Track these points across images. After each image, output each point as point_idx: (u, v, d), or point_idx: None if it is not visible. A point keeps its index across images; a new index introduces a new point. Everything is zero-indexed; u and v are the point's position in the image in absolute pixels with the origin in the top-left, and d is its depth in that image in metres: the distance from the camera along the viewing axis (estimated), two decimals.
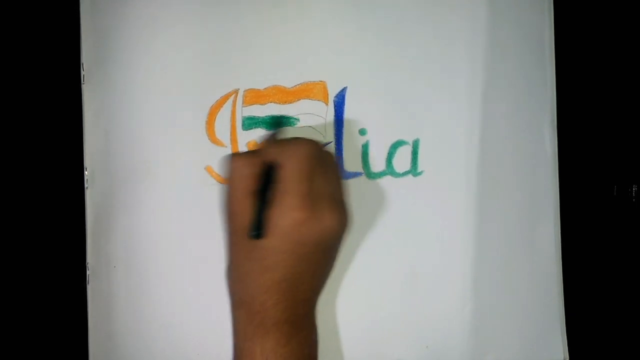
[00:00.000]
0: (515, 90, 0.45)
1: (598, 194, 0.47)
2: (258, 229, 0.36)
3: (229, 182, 0.38)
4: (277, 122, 0.44)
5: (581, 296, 0.46)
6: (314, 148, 0.38)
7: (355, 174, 0.44)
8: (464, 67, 0.44)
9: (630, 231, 0.47)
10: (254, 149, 0.42)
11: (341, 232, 0.38)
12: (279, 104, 0.44)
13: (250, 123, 0.44)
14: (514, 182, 0.45)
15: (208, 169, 0.44)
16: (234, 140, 0.44)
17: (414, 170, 0.44)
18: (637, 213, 0.47)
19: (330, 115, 0.44)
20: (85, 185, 0.44)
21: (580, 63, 0.46)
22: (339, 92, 0.44)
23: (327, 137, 0.44)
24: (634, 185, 0.47)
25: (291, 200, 0.36)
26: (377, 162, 0.44)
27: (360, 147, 0.44)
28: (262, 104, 0.44)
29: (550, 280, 0.45)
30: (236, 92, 0.44)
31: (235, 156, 0.38)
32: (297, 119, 0.44)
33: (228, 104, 0.44)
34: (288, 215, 0.36)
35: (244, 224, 0.37)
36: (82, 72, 0.44)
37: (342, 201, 0.39)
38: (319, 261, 0.38)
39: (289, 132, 0.44)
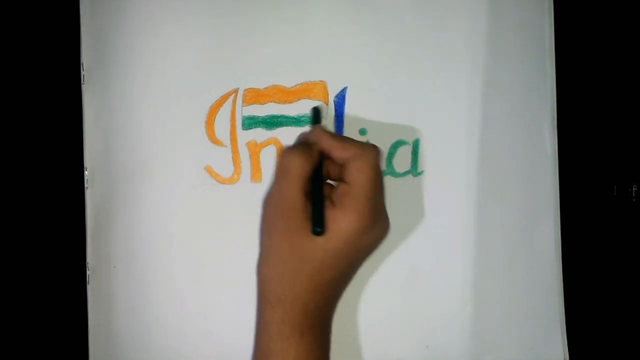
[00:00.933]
0: (515, 90, 0.45)
1: (598, 194, 0.47)
2: (322, 226, 0.36)
3: (283, 176, 0.37)
4: (317, 114, 0.42)
5: (581, 296, 0.45)
6: (380, 155, 0.38)
7: None
8: (464, 67, 0.44)
9: (630, 231, 0.47)
10: (303, 139, 0.41)
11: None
12: (279, 103, 0.44)
13: (250, 123, 0.44)
14: (514, 182, 0.45)
15: (208, 169, 0.44)
16: (233, 139, 0.44)
17: (414, 170, 0.44)
18: (637, 213, 0.47)
19: (330, 115, 0.44)
20: (85, 185, 0.44)
21: (580, 63, 0.46)
22: (339, 92, 0.44)
23: None
24: (634, 185, 0.47)
25: (360, 206, 0.36)
26: None
27: None
28: (262, 104, 0.44)
29: (550, 280, 0.45)
30: (236, 91, 0.44)
31: (291, 150, 0.38)
32: (297, 119, 0.44)
33: (228, 103, 0.44)
34: (356, 220, 0.36)
35: (300, 221, 0.36)
36: (82, 72, 0.44)
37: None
38: (359, 266, 0.39)
39: (288, 132, 0.44)
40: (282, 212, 0.37)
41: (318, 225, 0.36)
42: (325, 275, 0.37)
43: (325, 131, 0.40)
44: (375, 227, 0.37)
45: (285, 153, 0.38)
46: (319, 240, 0.36)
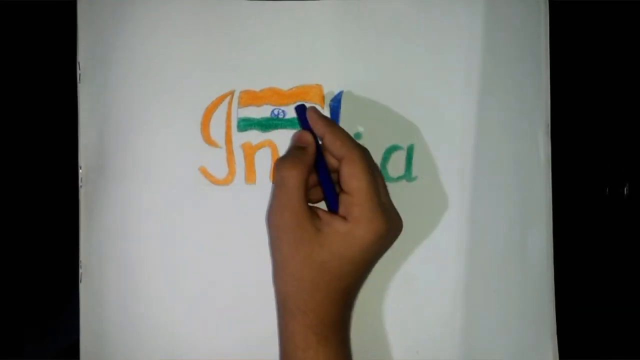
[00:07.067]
0: (510, 96, 0.45)
1: (590, 199, 0.47)
2: (337, 206, 0.36)
3: (281, 190, 0.37)
4: (302, 112, 0.41)
5: (573, 301, 0.46)
6: (367, 156, 0.38)
7: None
8: (459, 73, 0.44)
9: (623, 235, 0.47)
10: (295, 141, 0.41)
11: None
12: (275, 105, 0.44)
13: (246, 124, 0.44)
14: (507, 187, 0.45)
15: (202, 169, 0.44)
16: (228, 141, 0.44)
17: (408, 175, 0.44)
18: (628, 213, 0.47)
19: None
20: (80, 184, 0.44)
21: (575, 69, 0.46)
22: (335, 96, 0.44)
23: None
24: (625, 184, 0.47)
25: (371, 213, 0.35)
26: None
27: None
28: (257, 105, 0.44)
29: (543, 286, 0.45)
30: (232, 92, 0.44)
31: (284, 162, 0.37)
32: (293, 121, 0.44)
33: (223, 104, 0.44)
34: (373, 229, 0.35)
35: (309, 233, 0.36)
36: (78, 72, 0.44)
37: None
38: (374, 265, 0.39)
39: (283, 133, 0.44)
40: (288, 226, 0.36)
41: (333, 206, 0.36)
42: (343, 282, 0.37)
43: (320, 116, 0.40)
44: (393, 229, 0.37)
45: (279, 166, 0.37)
46: (336, 250, 0.36)
